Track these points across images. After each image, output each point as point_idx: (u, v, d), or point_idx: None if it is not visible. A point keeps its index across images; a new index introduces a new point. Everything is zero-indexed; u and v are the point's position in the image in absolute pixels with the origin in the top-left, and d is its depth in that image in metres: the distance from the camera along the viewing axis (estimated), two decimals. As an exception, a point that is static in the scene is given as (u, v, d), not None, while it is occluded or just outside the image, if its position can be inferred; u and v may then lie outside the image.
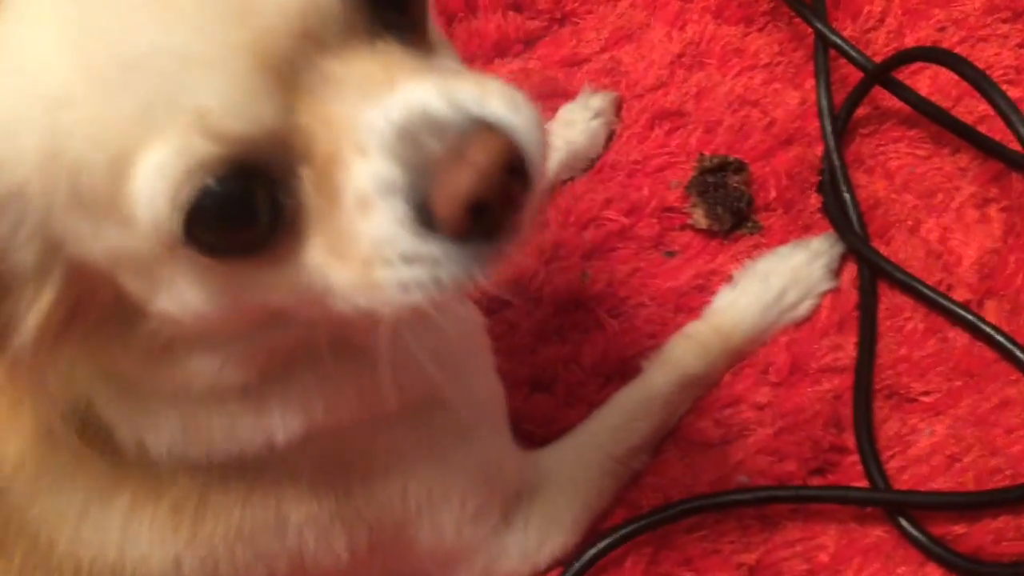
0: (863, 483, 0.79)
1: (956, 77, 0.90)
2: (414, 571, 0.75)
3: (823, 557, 0.77)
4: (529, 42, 1.09)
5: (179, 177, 0.43)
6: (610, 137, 1.00)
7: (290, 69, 0.44)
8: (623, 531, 0.78)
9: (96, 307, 0.51)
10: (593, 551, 0.77)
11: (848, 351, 0.85)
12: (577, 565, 0.77)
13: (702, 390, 0.85)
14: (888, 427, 0.82)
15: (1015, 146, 0.81)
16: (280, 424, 0.58)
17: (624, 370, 0.88)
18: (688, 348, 0.85)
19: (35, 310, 0.48)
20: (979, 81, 0.81)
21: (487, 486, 0.72)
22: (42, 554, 0.60)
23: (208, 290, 0.48)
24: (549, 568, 0.78)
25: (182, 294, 0.49)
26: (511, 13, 1.12)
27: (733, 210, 0.92)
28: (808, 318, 0.87)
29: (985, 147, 0.92)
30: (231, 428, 0.57)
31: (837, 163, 0.91)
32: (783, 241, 0.91)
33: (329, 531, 0.65)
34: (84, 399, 0.56)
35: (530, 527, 0.77)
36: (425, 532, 0.70)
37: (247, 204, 0.45)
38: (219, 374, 0.54)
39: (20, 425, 0.58)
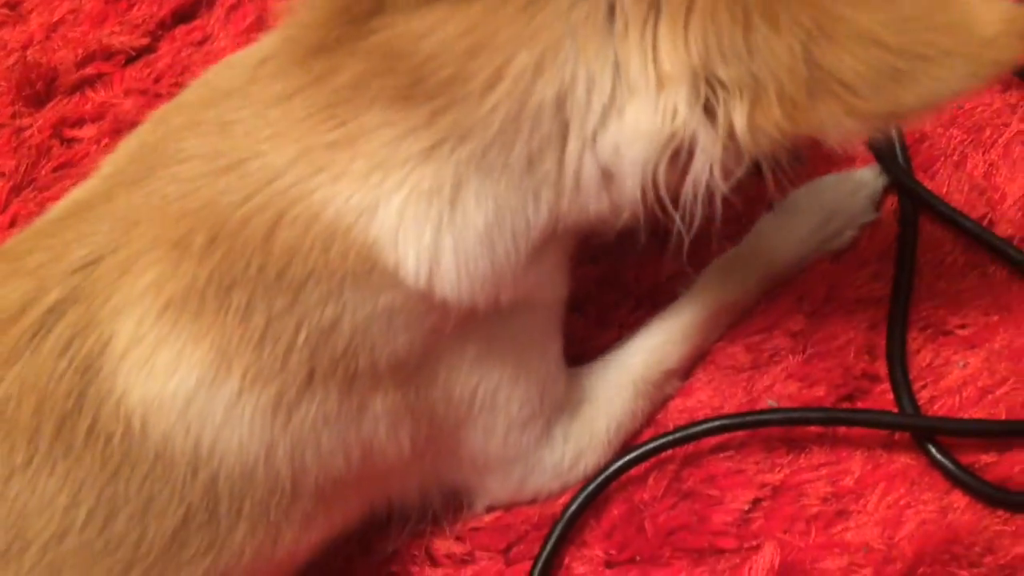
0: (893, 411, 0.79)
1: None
2: (451, 475, 0.76)
3: (848, 481, 0.78)
4: None
5: None
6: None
7: None
8: (648, 446, 0.78)
9: None
10: (617, 464, 0.78)
11: (885, 282, 0.85)
12: (600, 477, 0.78)
13: (737, 315, 0.85)
14: (921, 358, 0.81)
15: (1069, 83, 0.80)
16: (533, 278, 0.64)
17: (657, 293, 0.88)
18: (726, 273, 0.84)
19: None
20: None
21: (540, 396, 0.73)
22: (133, 443, 0.59)
23: None
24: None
25: None
26: None
27: (776, 138, 0.91)
28: (847, 248, 0.87)
29: (1038, 85, 0.91)
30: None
31: (885, 95, 0.90)
32: (827, 171, 0.91)
33: (400, 422, 0.65)
34: None
35: (567, 444, 0.78)
36: (477, 432, 0.71)
37: None
38: None
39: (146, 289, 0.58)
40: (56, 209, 0.68)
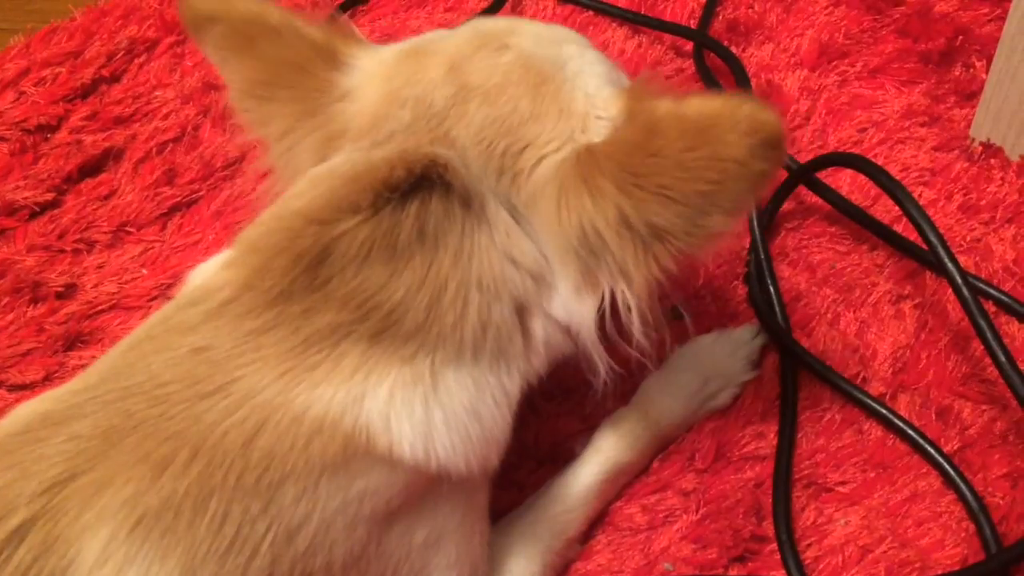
0: (781, 572, 0.81)
1: (875, 177, 0.95)
2: None
3: (742, 645, 0.80)
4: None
5: None
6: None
7: None
8: (550, 618, 0.79)
9: None
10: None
11: (770, 440, 0.88)
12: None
13: (632, 476, 0.88)
14: (805, 516, 0.84)
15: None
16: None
17: (556, 453, 0.90)
18: (618, 435, 0.87)
19: None
20: (892, 188, 0.86)
21: (471, 571, 0.74)
22: None
23: None
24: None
25: None
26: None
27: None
28: (732, 406, 0.91)
29: (901, 246, 0.97)
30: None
31: (763, 256, 0.96)
32: (711, 328, 0.95)
33: None
34: None
35: None
36: None
37: None
38: None
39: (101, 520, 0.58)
40: (15, 421, 0.66)
